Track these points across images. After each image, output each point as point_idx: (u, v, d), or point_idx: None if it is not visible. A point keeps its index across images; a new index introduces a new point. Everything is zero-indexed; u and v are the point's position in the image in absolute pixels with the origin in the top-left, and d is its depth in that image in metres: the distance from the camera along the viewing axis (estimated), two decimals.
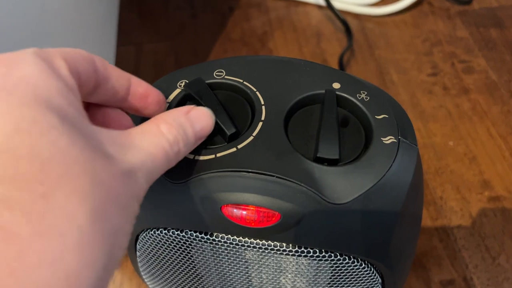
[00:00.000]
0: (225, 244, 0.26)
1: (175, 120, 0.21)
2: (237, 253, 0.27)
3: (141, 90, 0.23)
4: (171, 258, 0.28)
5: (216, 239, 0.25)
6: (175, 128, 0.21)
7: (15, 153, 0.14)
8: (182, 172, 0.24)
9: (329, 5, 0.66)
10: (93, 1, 0.57)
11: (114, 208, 0.16)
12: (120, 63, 0.61)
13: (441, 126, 0.55)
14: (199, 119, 0.23)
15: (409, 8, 0.67)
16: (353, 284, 0.27)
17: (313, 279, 0.28)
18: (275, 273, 0.28)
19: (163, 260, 0.29)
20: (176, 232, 0.26)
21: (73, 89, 0.17)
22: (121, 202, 0.17)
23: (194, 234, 0.25)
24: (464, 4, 0.68)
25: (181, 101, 0.27)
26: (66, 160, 0.15)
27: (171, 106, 0.26)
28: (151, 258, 0.29)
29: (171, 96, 0.27)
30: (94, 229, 0.15)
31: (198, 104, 0.25)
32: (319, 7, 0.68)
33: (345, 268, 0.26)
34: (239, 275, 0.29)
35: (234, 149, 0.24)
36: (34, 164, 0.14)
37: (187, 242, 0.27)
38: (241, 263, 0.28)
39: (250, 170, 0.23)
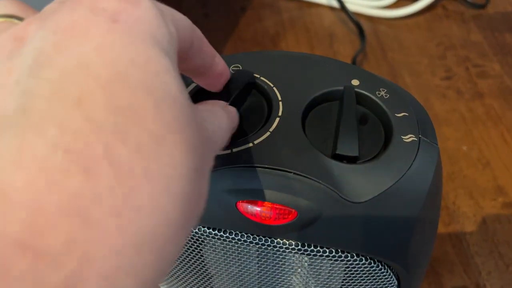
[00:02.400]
0: (239, 242, 0.25)
1: (224, 109, 0.21)
2: (251, 251, 0.26)
3: (219, 69, 0.22)
4: (183, 255, 0.28)
5: (230, 236, 0.25)
6: (228, 115, 0.21)
7: (131, 86, 0.13)
8: None
9: (343, 7, 0.65)
10: None
11: (206, 171, 0.15)
12: None
13: (454, 131, 0.54)
14: (234, 115, 0.23)
15: (422, 11, 0.67)
16: (368, 286, 0.27)
17: (326, 279, 0.27)
18: (288, 272, 0.28)
19: None
20: None
21: (175, 46, 0.16)
22: (208, 167, 0.16)
23: (208, 231, 0.25)
24: (479, 8, 0.67)
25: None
26: (177, 105, 0.14)
27: None
28: None
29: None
30: (193, 186, 0.14)
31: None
32: (332, 8, 0.68)
33: (361, 269, 0.25)
34: (251, 274, 0.28)
35: (251, 144, 0.24)
36: (148, 100, 0.13)
37: (199, 239, 0.26)
38: (254, 261, 0.27)
39: (266, 166, 0.23)
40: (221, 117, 0.20)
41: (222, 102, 0.22)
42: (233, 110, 0.23)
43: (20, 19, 0.17)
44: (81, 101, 0.12)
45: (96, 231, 0.11)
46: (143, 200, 0.12)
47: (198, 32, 0.19)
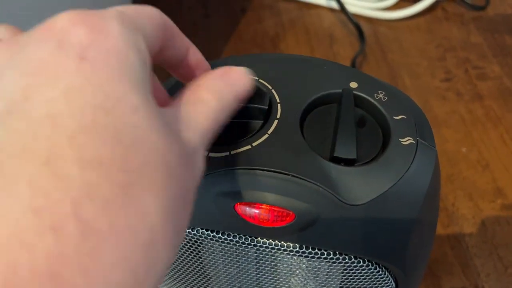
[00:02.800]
0: (237, 244, 0.25)
1: (215, 86, 0.19)
2: (249, 253, 0.26)
3: (194, 60, 0.21)
4: (182, 257, 0.28)
5: (228, 238, 0.25)
6: (218, 94, 0.19)
7: (99, 135, 0.13)
8: None
9: (342, 8, 0.65)
10: (106, 1, 0.57)
11: (182, 204, 0.15)
12: None
13: (454, 132, 0.54)
14: (237, 80, 0.20)
15: (422, 13, 0.67)
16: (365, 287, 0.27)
17: (325, 281, 0.27)
18: (286, 274, 0.28)
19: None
20: (187, 230, 0.25)
21: (147, 64, 0.16)
22: (188, 196, 0.16)
23: (206, 233, 0.25)
24: (479, 10, 0.67)
25: None
26: (146, 147, 0.13)
27: None
28: None
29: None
30: (165, 229, 0.14)
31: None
32: (332, 10, 0.68)
33: (359, 271, 0.25)
34: (249, 276, 0.28)
35: (249, 146, 0.24)
36: (117, 150, 0.13)
37: (198, 241, 0.26)
38: (252, 263, 0.27)
39: (264, 168, 0.23)
40: (207, 104, 0.18)
41: (216, 72, 0.20)
42: (234, 75, 0.20)
43: None
44: (49, 157, 0.12)
45: None
46: (108, 255, 0.12)
47: (169, 24, 0.19)
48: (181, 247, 0.27)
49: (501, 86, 0.58)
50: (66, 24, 0.14)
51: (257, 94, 0.26)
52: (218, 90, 0.19)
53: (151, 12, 0.17)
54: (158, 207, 0.13)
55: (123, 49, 0.14)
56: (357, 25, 0.64)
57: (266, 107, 0.24)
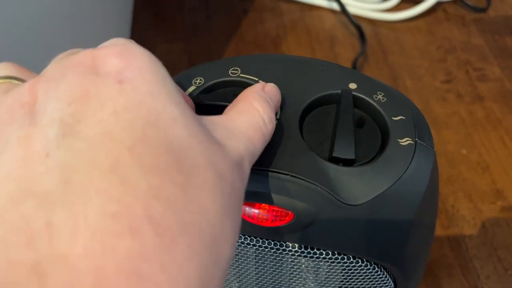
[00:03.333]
0: (236, 243, 0.25)
1: (261, 96, 0.20)
2: (248, 253, 0.26)
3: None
4: None
5: None
6: (267, 105, 0.20)
7: (151, 145, 0.14)
8: None
9: (343, 10, 0.65)
10: (106, 1, 0.57)
11: (235, 203, 0.16)
12: None
13: (454, 134, 0.54)
14: (274, 94, 0.22)
15: (423, 14, 0.67)
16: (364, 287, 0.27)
17: (324, 281, 0.27)
18: (285, 274, 0.28)
19: None
20: None
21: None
22: (239, 195, 0.16)
23: None
24: (480, 12, 0.67)
25: (194, 100, 0.26)
26: (191, 154, 0.15)
27: None
28: None
29: (186, 93, 0.26)
30: (223, 225, 0.15)
31: (213, 104, 0.25)
32: (333, 11, 0.68)
33: (358, 271, 0.25)
34: (248, 276, 0.29)
35: None
36: (169, 156, 0.14)
37: None
38: (252, 263, 0.27)
39: (263, 168, 0.23)
40: (254, 116, 0.19)
41: (257, 86, 0.21)
42: (269, 89, 0.22)
43: (19, 79, 0.17)
44: (114, 166, 0.13)
45: (150, 286, 0.12)
46: (182, 251, 0.13)
47: None
48: None
49: (502, 88, 0.59)
50: (97, 55, 0.15)
51: None
52: (265, 102, 0.20)
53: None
54: (215, 204, 0.14)
55: (152, 65, 0.16)
56: (358, 26, 0.64)
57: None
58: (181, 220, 0.13)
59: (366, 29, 0.65)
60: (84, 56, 0.16)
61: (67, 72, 0.15)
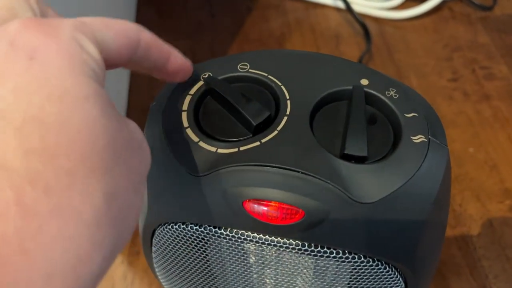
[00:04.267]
0: (245, 241, 0.25)
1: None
2: (256, 251, 0.26)
3: (175, 66, 0.23)
4: (188, 254, 0.28)
5: (236, 236, 0.25)
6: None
7: (45, 123, 0.14)
8: (203, 164, 0.23)
9: (349, 8, 0.65)
10: (110, 0, 0.57)
11: (131, 187, 0.16)
12: None
13: (461, 133, 0.54)
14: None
15: (429, 12, 0.66)
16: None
17: (333, 280, 0.27)
18: (294, 273, 0.27)
19: (179, 256, 0.28)
20: (194, 227, 0.25)
21: (99, 66, 0.17)
22: (137, 179, 0.17)
23: (213, 230, 0.25)
24: (486, 10, 0.67)
25: (203, 95, 0.26)
26: (94, 133, 0.15)
27: (193, 98, 0.26)
28: (167, 254, 0.28)
29: (194, 89, 0.26)
30: (111, 209, 0.15)
31: (220, 96, 0.25)
32: (338, 9, 0.68)
33: (368, 270, 0.25)
34: (256, 274, 0.28)
35: (258, 143, 0.23)
36: (62, 137, 0.14)
37: (205, 238, 0.26)
38: (259, 261, 0.27)
39: (274, 165, 0.23)
40: None
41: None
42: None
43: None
44: None
45: (5, 268, 0.12)
46: (48, 235, 0.13)
47: (146, 40, 0.20)
48: (187, 244, 0.27)
49: (509, 86, 0.58)
50: (19, 28, 0.15)
51: (262, 91, 0.26)
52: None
53: (120, 27, 0.19)
54: (103, 188, 0.14)
55: (72, 48, 0.16)
56: (364, 24, 0.63)
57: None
58: (56, 205, 0.13)
59: (371, 27, 0.65)
60: (13, 24, 0.15)
61: None
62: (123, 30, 0.19)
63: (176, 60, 0.23)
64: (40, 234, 0.13)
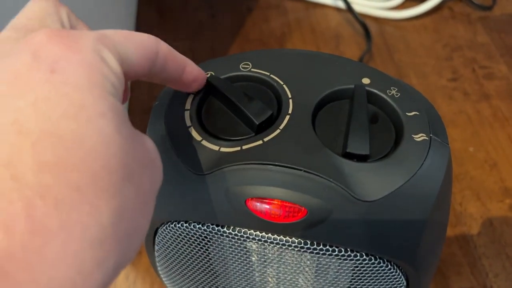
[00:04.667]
0: (247, 240, 0.25)
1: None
2: (259, 249, 0.26)
3: (190, 77, 0.23)
4: (191, 253, 0.28)
5: (238, 234, 0.25)
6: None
7: (60, 139, 0.14)
8: (206, 163, 0.24)
9: (349, 8, 0.65)
10: (111, 0, 0.57)
11: (139, 207, 0.16)
12: None
13: (461, 132, 0.54)
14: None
15: (429, 12, 0.67)
16: (376, 286, 0.26)
17: (335, 278, 0.27)
18: (297, 271, 0.28)
19: (182, 255, 0.28)
20: (197, 226, 0.25)
21: (119, 80, 0.17)
22: (146, 198, 0.17)
23: (216, 228, 0.25)
24: (485, 10, 0.67)
25: (205, 94, 0.26)
26: (109, 151, 0.15)
27: (196, 97, 0.26)
28: (170, 252, 0.28)
29: None
30: (116, 229, 0.15)
31: (222, 96, 0.25)
32: (338, 9, 0.68)
33: (370, 268, 0.25)
34: (258, 272, 0.28)
35: (261, 141, 0.24)
36: (76, 154, 0.14)
37: (208, 237, 0.26)
38: (262, 260, 0.27)
39: (276, 164, 0.23)
40: None
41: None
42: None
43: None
44: (9, 161, 0.13)
45: (7, 283, 0.12)
46: (54, 251, 0.13)
47: (163, 52, 0.20)
48: (190, 242, 0.27)
49: (509, 86, 0.58)
50: (43, 39, 0.16)
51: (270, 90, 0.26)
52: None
53: (140, 39, 0.19)
54: (111, 207, 0.14)
55: (93, 62, 0.16)
56: (364, 24, 0.64)
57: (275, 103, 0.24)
58: (65, 221, 0.13)
59: (372, 27, 0.65)
60: (37, 35, 0.16)
61: (14, 48, 0.16)
62: (142, 42, 0.19)
63: (191, 71, 0.23)
64: (45, 249, 0.13)
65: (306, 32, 0.66)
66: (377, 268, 0.25)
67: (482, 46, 0.63)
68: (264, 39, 0.65)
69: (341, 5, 0.67)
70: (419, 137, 0.24)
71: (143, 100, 0.57)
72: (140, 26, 0.65)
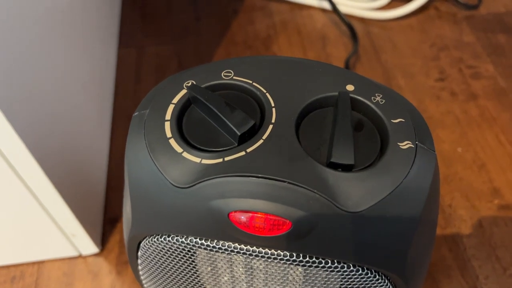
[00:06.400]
0: (232, 253, 0.24)
1: None
2: (244, 263, 0.25)
3: None
4: (174, 267, 0.27)
5: (223, 247, 0.24)
6: None
7: None
8: (187, 176, 0.23)
9: (334, 9, 0.65)
10: (95, 3, 0.56)
11: None
12: (121, 66, 0.60)
13: (449, 133, 0.54)
14: None
15: (415, 12, 0.66)
16: None
17: None
18: (283, 284, 0.27)
19: (165, 269, 0.27)
20: (180, 240, 0.25)
21: None
22: None
23: (200, 242, 0.24)
24: (471, 9, 0.67)
25: (186, 104, 0.25)
26: None
27: (176, 107, 0.25)
28: (153, 266, 0.28)
29: (177, 97, 0.25)
30: None
31: (203, 105, 0.24)
32: (324, 10, 0.68)
33: (358, 279, 0.24)
34: (244, 286, 0.28)
35: (243, 152, 0.23)
36: None
37: (191, 250, 0.25)
38: (248, 273, 0.26)
39: (259, 175, 0.22)
40: None
41: None
42: None
43: None
44: None
45: None
46: None
47: None
48: (173, 256, 0.26)
49: (495, 85, 0.58)
50: None
51: (247, 100, 0.26)
52: None
53: None
54: None
55: None
56: (350, 25, 0.63)
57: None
58: None
59: (358, 28, 0.65)
60: None
61: None
62: None
63: None
64: None
65: (292, 33, 0.65)
66: (365, 279, 0.24)
67: (469, 46, 0.63)
68: (250, 41, 0.64)
69: (327, 6, 0.66)
70: (404, 145, 0.23)
71: (128, 106, 0.56)
72: (123, 29, 0.64)
